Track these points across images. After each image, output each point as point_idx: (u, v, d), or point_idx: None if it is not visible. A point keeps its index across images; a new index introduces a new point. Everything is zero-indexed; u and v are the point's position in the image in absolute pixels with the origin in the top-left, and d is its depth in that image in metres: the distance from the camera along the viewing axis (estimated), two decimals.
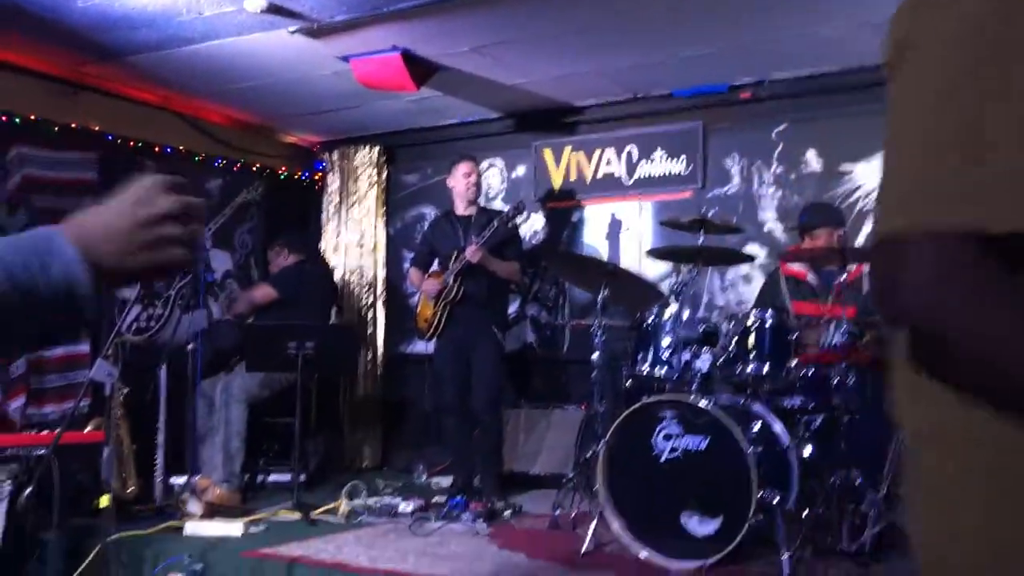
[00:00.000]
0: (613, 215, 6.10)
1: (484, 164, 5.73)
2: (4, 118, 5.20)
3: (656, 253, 4.67)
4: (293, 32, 4.73)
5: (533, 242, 6.28)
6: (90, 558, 3.86)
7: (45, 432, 4.71)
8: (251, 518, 4.48)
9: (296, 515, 4.56)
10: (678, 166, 5.85)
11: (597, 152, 6.12)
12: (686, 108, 5.84)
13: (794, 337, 3.99)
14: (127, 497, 4.85)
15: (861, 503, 3.67)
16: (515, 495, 5.14)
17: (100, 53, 5.08)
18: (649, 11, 4.47)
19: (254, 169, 6.80)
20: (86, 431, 4.65)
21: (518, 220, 5.36)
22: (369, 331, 6.69)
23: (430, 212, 6.67)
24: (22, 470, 3.74)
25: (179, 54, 5.08)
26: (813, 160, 5.48)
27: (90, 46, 4.96)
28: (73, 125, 5.54)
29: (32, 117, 5.32)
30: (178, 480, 5.05)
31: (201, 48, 4.99)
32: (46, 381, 5.29)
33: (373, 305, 6.76)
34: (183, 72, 5.41)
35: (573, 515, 4.35)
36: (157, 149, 6.08)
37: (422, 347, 5.81)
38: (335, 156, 6.96)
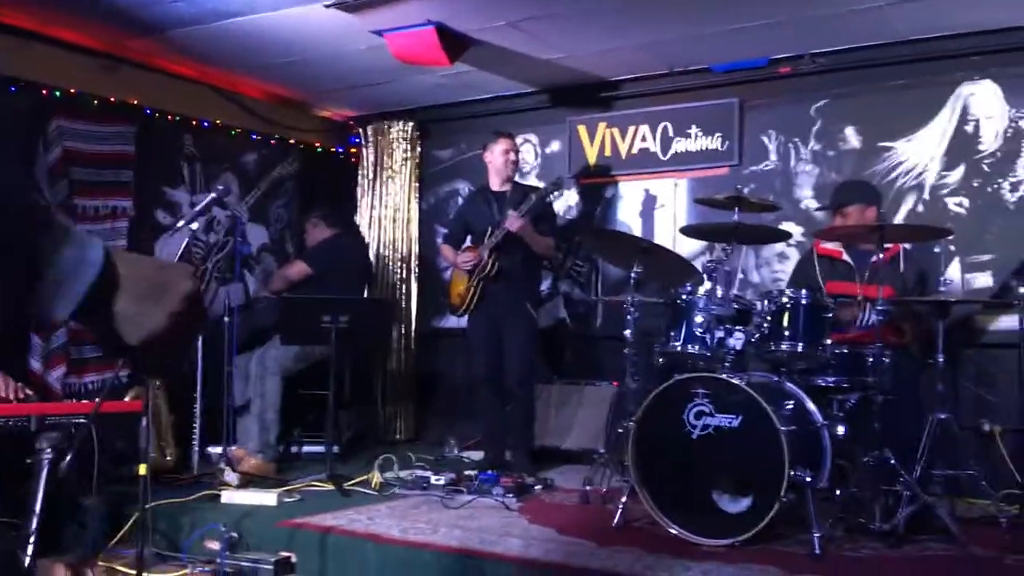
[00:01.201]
0: (647, 192, 6.06)
1: (518, 140, 5.72)
2: (45, 91, 5.27)
3: (690, 230, 4.56)
4: (328, 6, 4.74)
5: (567, 218, 6.26)
6: (128, 524, 3.94)
7: (85, 401, 4.80)
8: (285, 488, 4.55)
9: (329, 486, 4.62)
10: (714, 143, 5.79)
11: (632, 128, 6.08)
12: (722, 84, 5.77)
13: (829, 316, 3.95)
14: (165, 466, 4.94)
15: (894, 483, 3.64)
16: (546, 470, 5.16)
17: (139, 27, 5.12)
18: None
19: (290, 143, 6.85)
20: (125, 400, 4.74)
21: (554, 196, 5.33)
22: (402, 305, 6.74)
23: (463, 187, 6.67)
24: (63, 438, 3.80)
25: (216, 28, 5.11)
26: (852, 137, 5.40)
27: (129, 20, 5.01)
28: (112, 99, 5.61)
29: (72, 90, 5.39)
30: (215, 450, 5.13)
31: (238, 22, 5.02)
32: (86, 351, 5.39)
33: (406, 279, 6.80)
34: (220, 46, 5.44)
35: (604, 491, 4.36)
36: (195, 123, 6.14)
37: (455, 322, 5.83)
38: (369, 131, 6.98)
